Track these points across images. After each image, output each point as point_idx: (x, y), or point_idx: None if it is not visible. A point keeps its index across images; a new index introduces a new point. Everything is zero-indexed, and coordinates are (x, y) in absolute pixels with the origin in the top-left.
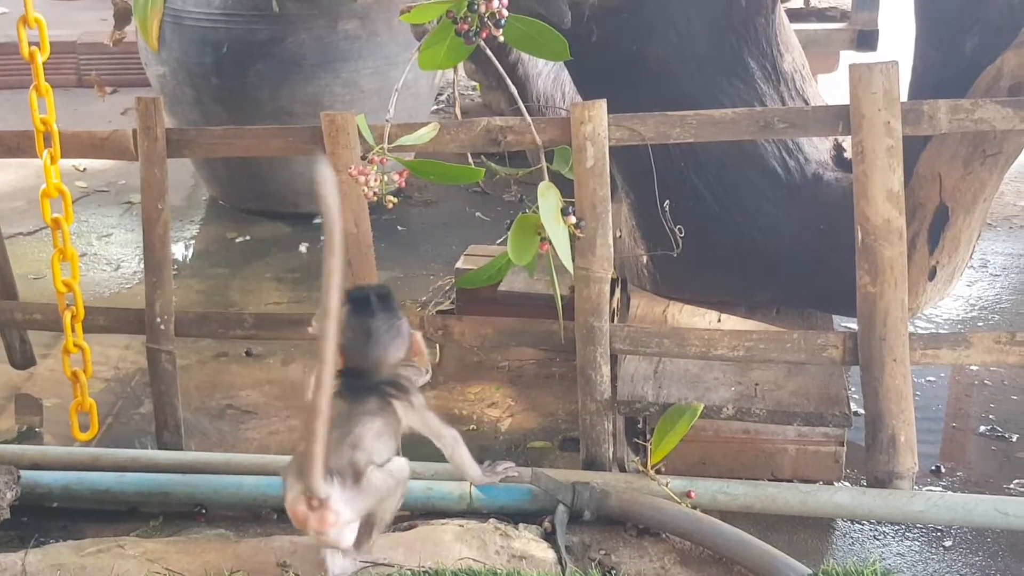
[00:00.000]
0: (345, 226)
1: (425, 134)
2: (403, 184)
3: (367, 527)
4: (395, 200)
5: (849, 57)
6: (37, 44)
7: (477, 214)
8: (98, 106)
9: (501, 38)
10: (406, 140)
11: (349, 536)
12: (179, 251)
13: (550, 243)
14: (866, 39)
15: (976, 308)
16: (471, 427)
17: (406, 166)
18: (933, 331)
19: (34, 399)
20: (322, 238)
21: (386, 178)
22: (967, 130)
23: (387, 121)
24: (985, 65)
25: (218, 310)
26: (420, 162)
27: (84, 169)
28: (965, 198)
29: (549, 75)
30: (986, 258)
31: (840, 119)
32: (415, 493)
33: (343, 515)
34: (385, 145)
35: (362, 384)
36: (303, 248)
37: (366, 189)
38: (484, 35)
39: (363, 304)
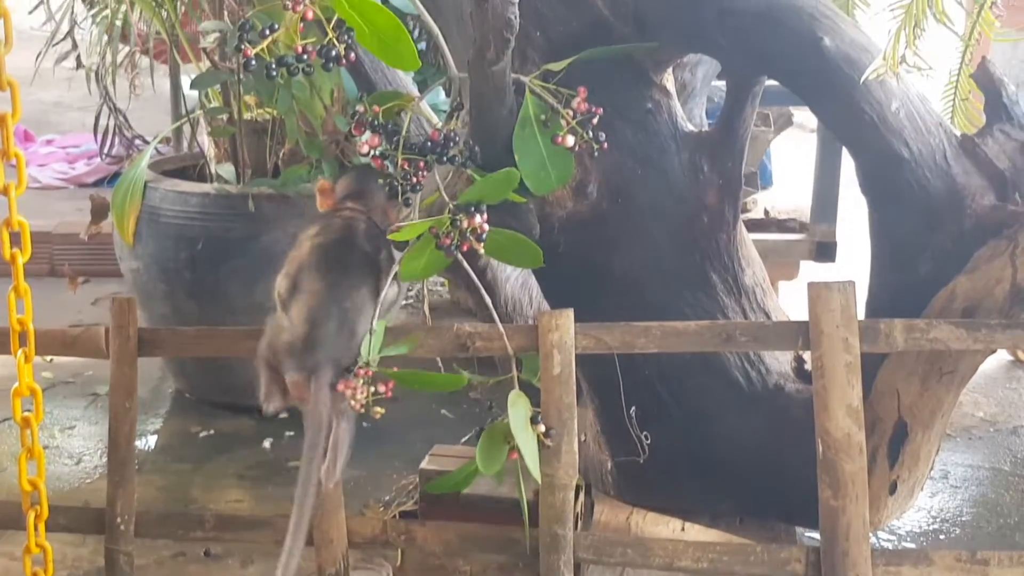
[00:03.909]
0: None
1: (407, 343)
2: (389, 394)
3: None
4: (381, 411)
5: (808, 267)
6: (19, 246)
7: (443, 411)
8: (69, 295)
9: (482, 251)
10: (389, 351)
11: None
12: (142, 445)
13: (519, 452)
14: (824, 250)
15: (938, 520)
16: None
17: (391, 377)
18: (895, 544)
19: None
20: (287, 434)
21: (372, 389)
22: (922, 348)
23: (371, 331)
24: (940, 286)
25: (179, 509)
26: (404, 372)
27: (51, 360)
28: (923, 414)
29: (517, 279)
30: (947, 469)
31: (800, 334)
32: None
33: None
34: (376, 357)
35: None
36: (267, 444)
37: (353, 402)
38: (465, 248)
39: None
